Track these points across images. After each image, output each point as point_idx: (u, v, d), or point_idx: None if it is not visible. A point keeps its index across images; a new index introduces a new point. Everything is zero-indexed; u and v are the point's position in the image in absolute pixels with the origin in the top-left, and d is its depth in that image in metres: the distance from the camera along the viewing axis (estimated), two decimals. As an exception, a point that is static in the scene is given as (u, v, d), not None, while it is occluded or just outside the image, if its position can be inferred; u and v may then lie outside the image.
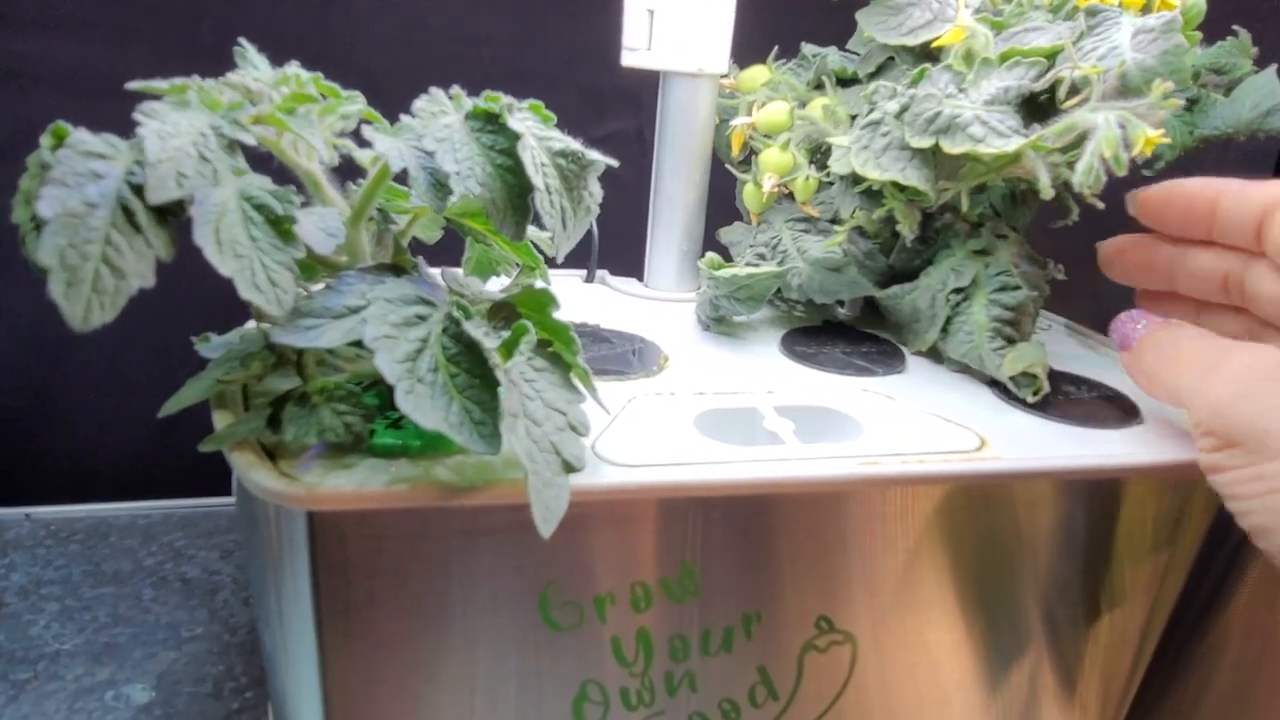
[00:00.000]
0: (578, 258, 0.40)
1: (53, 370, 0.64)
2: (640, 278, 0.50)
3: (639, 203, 0.49)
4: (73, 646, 0.51)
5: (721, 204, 0.49)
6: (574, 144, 0.28)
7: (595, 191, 0.29)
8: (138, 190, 0.23)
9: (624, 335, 0.41)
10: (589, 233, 0.44)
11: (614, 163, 0.28)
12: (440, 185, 0.27)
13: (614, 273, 0.51)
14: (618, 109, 0.64)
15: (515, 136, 0.26)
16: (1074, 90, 0.35)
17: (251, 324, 0.38)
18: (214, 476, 0.68)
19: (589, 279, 0.50)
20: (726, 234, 0.47)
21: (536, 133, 0.27)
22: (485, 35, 0.60)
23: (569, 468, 0.25)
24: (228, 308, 0.36)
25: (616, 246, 0.50)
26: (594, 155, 0.28)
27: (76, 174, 0.23)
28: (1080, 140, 0.34)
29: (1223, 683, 0.46)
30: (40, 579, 0.57)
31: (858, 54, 0.48)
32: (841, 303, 0.46)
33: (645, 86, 0.47)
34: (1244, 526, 0.29)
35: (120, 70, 0.27)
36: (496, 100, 0.27)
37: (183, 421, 0.66)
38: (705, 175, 0.46)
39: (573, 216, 0.28)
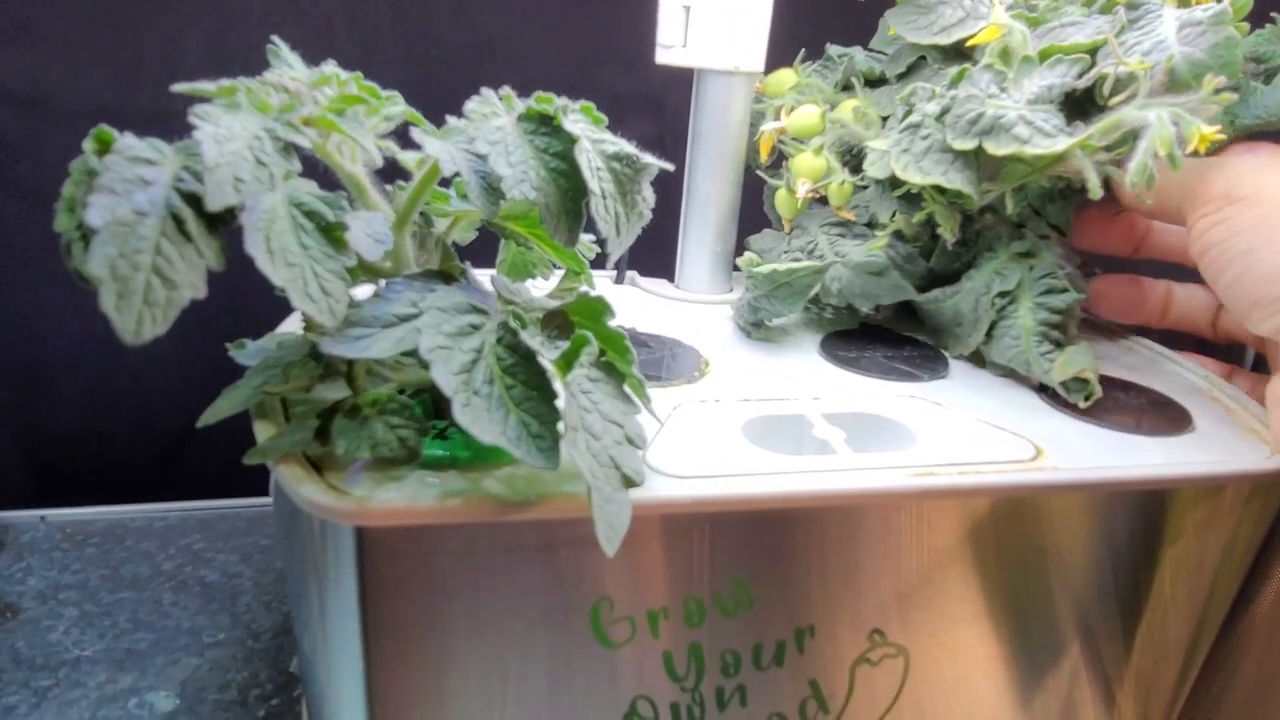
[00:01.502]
0: (604, 258, 0.39)
1: (66, 372, 0.63)
2: (668, 278, 0.49)
3: (662, 205, 0.48)
4: (94, 653, 0.51)
5: (746, 211, 0.48)
6: (628, 147, 0.27)
7: (648, 196, 0.28)
8: (187, 197, 0.22)
9: (662, 339, 0.40)
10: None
11: (669, 166, 0.28)
12: (493, 189, 0.26)
13: (640, 274, 0.50)
14: (638, 114, 0.62)
15: (571, 140, 0.25)
16: (1118, 86, 0.35)
17: (285, 328, 0.37)
18: (232, 478, 0.68)
19: (618, 280, 0.49)
20: (756, 241, 0.47)
21: (590, 135, 0.27)
22: (502, 41, 0.59)
23: (629, 482, 0.25)
24: (249, 310, 0.35)
25: (640, 247, 0.49)
26: (648, 159, 0.27)
27: (125, 180, 0.22)
28: (1127, 137, 0.33)
29: (1245, 682, 0.45)
30: (58, 583, 0.56)
31: (884, 54, 0.47)
32: (877, 308, 0.46)
33: (669, 89, 0.46)
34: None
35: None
36: (550, 102, 0.26)
37: (195, 421, 0.65)
38: (739, 175, 0.45)
39: (626, 221, 0.27)
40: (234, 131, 0.22)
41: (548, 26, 0.59)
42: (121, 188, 0.22)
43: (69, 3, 0.52)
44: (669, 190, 0.47)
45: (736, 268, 0.49)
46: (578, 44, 0.59)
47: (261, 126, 0.23)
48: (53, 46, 0.53)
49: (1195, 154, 0.33)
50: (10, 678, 0.48)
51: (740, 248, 0.46)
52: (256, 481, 0.68)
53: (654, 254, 0.50)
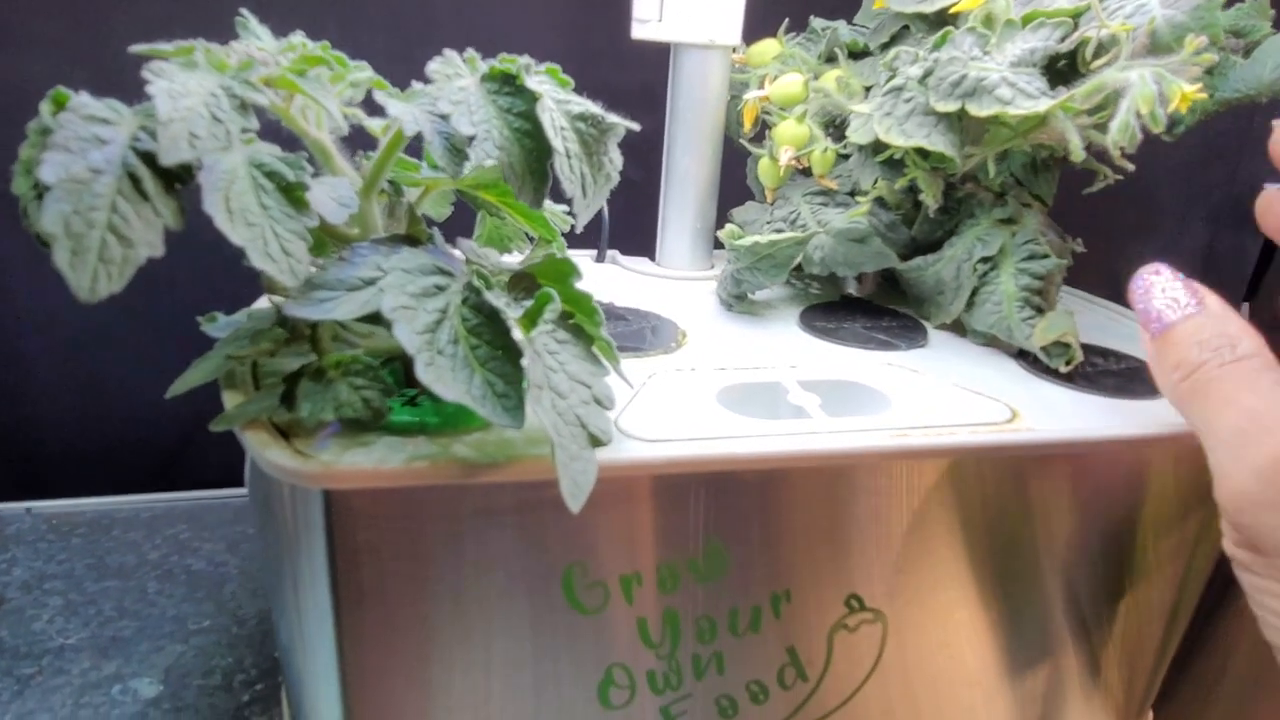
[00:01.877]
0: (587, 237, 0.39)
1: (49, 363, 0.62)
2: (651, 257, 0.49)
3: (646, 184, 0.48)
4: (77, 641, 0.50)
5: (726, 186, 0.48)
6: (593, 107, 0.27)
7: (615, 158, 0.28)
8: (144, 157, 0.22)
9: (639, 313, 0.40)
10: (599, 213, 0.43)
11: (635, 126, 0.27)
12: (456, 150, 0.26)
13: (622, 253, 0.50)
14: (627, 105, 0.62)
15: (534, 98, 0.25)
16: (1100, 51, 0.34)
17: (260, 304, 0.37)
18: (219, 468, 0.67)
19: (599, 258, 0.49)
20: (740, 214, 0.46)
21: (554, 95, 0.26)
22: (487, 31, 0.58)
23: (595, 441, 0.24)
24: (223, 295, 0.35)
25: (622, 226, 0.49)
26: (614, 119, 0.27)
27: (80, 139, 0.22)
28: (1109, 101, 0.33)
29: (1238, 669, 0.45)
30: (43, 573, 0.56)
31: (867, 28, 0.47)
32: (860, 278, 0.45)
33: (656, 83, 0.46)
34: (1266, 637, 0.25)
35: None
36: (513, 61, 0.26)
37: (184, 412, 0.65)
38: (718, 151, 0.45)
39: (593, 183, 0.27)
40: (189, 88, 0.22)
41: (531, 17, 0.59)
42: (76, 145, 0.21)
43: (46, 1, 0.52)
44: (652, 168, 0.47)
45: (718, 244, 0.48)
46: (570, 35, 0.59)
47: (218, 84, 0.23)
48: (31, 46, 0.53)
49: (1178, 115, 0.33)
50: (-7, 666, 0.48)
51: (722, 222, 0.46)
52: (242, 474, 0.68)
53: (637, 233, 0.50)
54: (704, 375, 0.33)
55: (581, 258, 0.50)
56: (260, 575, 0.57)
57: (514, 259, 0.34)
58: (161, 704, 0.46)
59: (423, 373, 0.23)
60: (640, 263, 0.48)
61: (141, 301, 0.61)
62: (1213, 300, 0.27)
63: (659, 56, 0.45)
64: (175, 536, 0.61)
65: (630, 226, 0.50)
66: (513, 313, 0.24)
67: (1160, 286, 0.28)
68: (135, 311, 0.62)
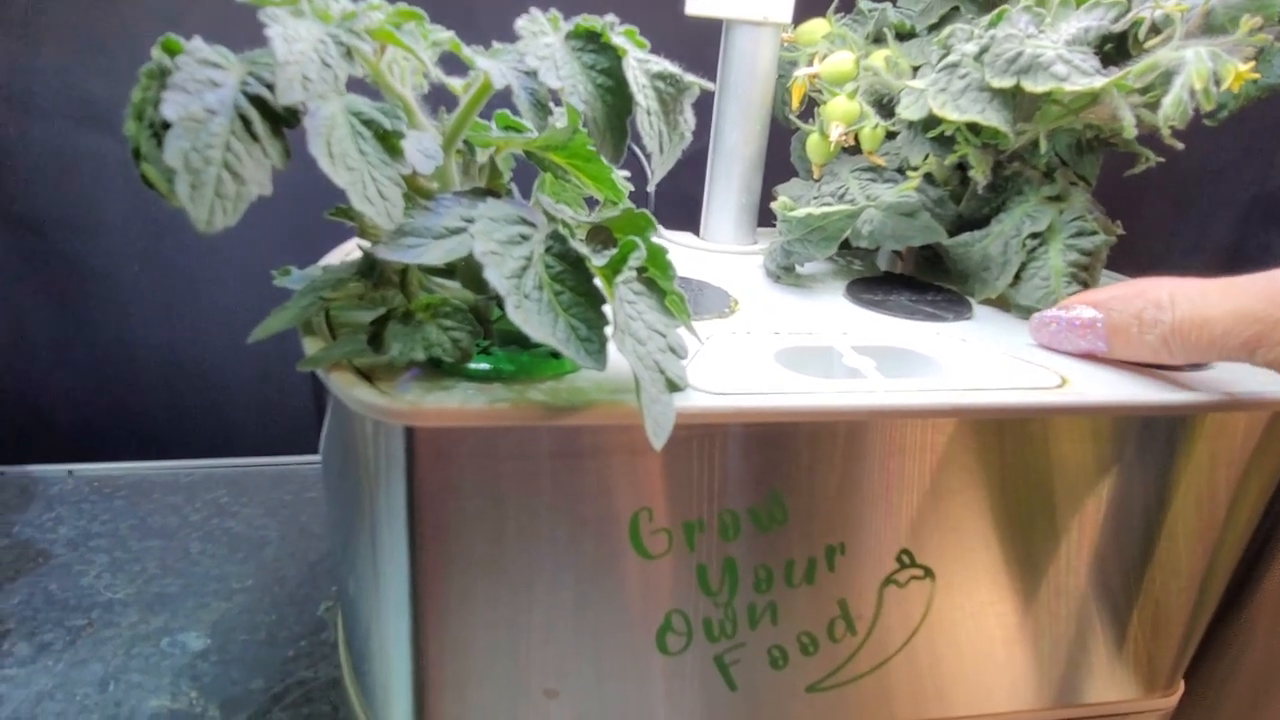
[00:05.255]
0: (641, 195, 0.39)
1: (81, 333, 0.64)
2: (695, 233, 0.50)
3: (689, 161, 0.48)
4: (125, 596, 0.51)
5: (770, 164, 0.48)
6: (671, 67, 0.28)
7: (689, 118, 0.29)
8: (254, 100, 0.23)
9: (689, 281, 0.41)
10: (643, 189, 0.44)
11: (710, 86, 0.28)
12: (542, 105, 0.27)
13: (665, 228, 0.51)
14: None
15: (618, 55, 0.26)
16: (1154, 31, 0.35)
17: (328, 259, 0.38)
18: (259, 438, 0.69)
19: (644, 232, 0.50)
20: (785, 189, 0.47)
21: (635, 55, 0.27)
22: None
23: (673, 386, 0.25)
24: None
25: (666, 201, 0.50)
26: (691, 78, 0.28)
27: (196, 80, 0.23)
28: (1160, 81, 0.34)
29: (1253, 661, 0.46)
30: (88, 531, 0.57)
31: (913, 10, 0.48)
32: (901, 254, 0.46)
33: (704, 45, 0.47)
34: None
35: None
36: (597, 20, 0.27)
37: (231, 385, 0.65)
38: (765, 127, 0.46)
39: (669, 141, 0.28)
40: (300, 34, 0.23)
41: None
42: (193, 87, 0.23)
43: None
44: (695, 144, 0.48)
45: (761, 221, 0.49)
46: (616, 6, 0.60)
47: (325, 32, 0.24)
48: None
49: (1224, 97, 0.34)
50: (45, 617, 0.49)
51: (766, 202, 0.47)
52: (281, 442, 0.69)
53: (679, 208, 0.51)
54: (760, 338, 0.34)
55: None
56: (303, 540, 0.58)
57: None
58: (209, 656, 0.47)
59: (513, 313, 0.24)
60: (685, 237, 0.49)
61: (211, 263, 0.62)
62: (1081, 305, 0.34)
63: (705, 32, 0.46)
64: (215, 500, 0.62)
65: (672, 202, 0.51)
66: (597, 259, 0.25)
67: (1061, 335, 0.34)
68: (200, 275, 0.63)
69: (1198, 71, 0.31)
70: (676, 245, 0.48)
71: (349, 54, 0.24)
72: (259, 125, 0.23)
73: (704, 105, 0.48)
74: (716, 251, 0.47)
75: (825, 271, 0.45)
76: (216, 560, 0.56)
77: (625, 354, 0.24)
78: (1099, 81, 0.33)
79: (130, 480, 0.64)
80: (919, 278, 0.45)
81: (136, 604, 0.51)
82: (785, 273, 0.41)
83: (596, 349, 0.25)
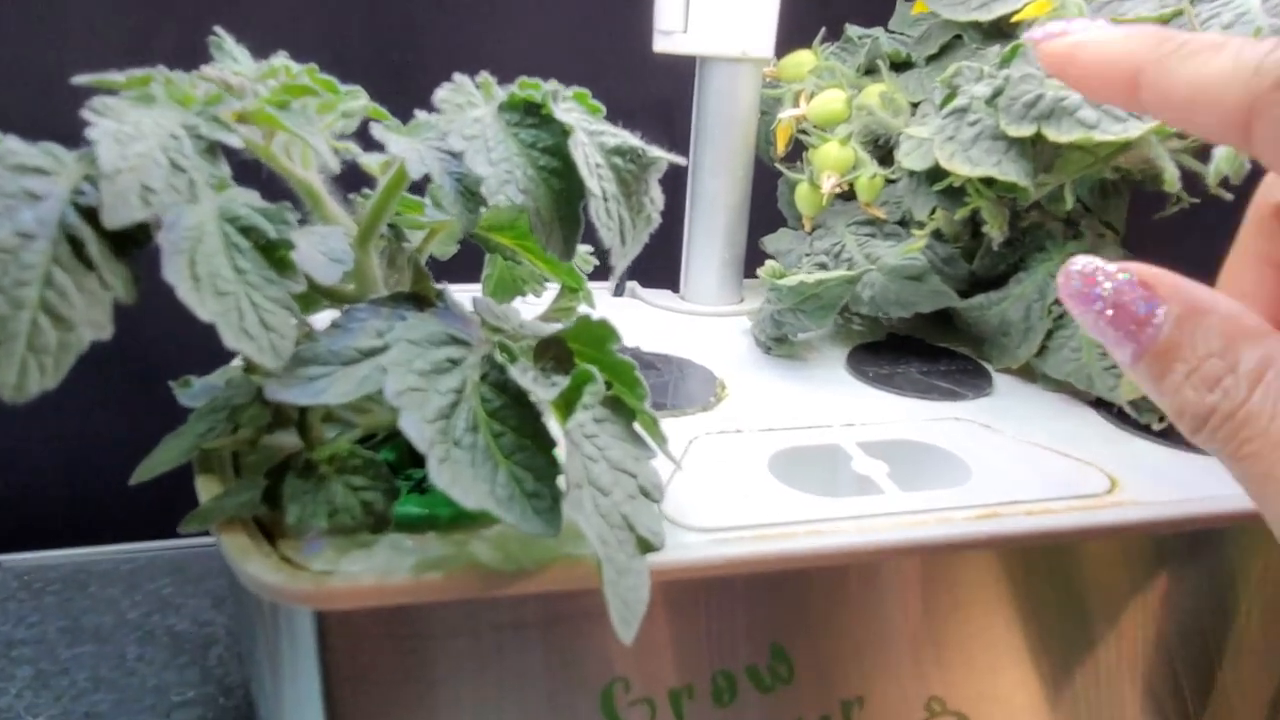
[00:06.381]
0: (602, 267, 0.34)
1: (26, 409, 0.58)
2: (673, 288, 0.45)
3: (666, 208, 0.43)
4: (47, 718, 0.46)
5: (756, 210, 0.43)
6: (632, 139, 0.23)
7: (656, 197, 0.24)
8: (88, 214, 0.18)
9: (669, 360, 0.36)
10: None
11: (681, 160, 0.23)
12: (472, 194, 0.21)
13: (641, 284, 0.46)
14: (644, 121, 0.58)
15: (564, 131, 0.21)
16: (1194, 65, 0.30)
17: (239, 361, 0.32)
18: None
19: (617, 292, 0.45)
20: (772, 242, 0.42)
21: (586, 127, 0.22)
22: (492, 49, 0.54)
23: (646, 546, 0.20)
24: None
25: (641, 255, 0.45)
26: (656, 152, 0.23)
27: (6, 195, 0.17)
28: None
29: None
30: (12, 639, 0.51)
31: (906, 35, 0.43)
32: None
33: (677, 94, 0.42)
34: None
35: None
36: (536, 87, 0.22)
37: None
38: (749, 173, 0.41)
39: (631, 227, 0.23)
40: (143, 129, 0.18)
41: (544, 32, 0.54)
42: (2, 204, 0.17)
43: None
44: (674, 192, 0.43)
45: (747, 271, 0.44)
46: (574, 43, 0.55)
47: (180, 123, 0.18)
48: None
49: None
50: (-46, 750, 0.43)
51: (751, 250, 0.42)
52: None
53: (656, 260, 0.46)
54: (751, 437, 0.29)
55: (597, 290, 0.45)
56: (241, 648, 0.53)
57: (529, 304, 0.30)
58: (139, 793, 0.42)
59: (436, 473, 0.19)
60: (663, 296, 0.44)
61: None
62: (1166, 286, 0.17)
63: (676, 70, 0.41)
64: (157, 592, 0.56)
65: (648, 253, 0.45)
66: (544, 392, 0.20)
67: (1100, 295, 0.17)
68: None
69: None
70: (654, 307, 0.43)
71: (211, 150, 0.18)
72: (94, 247, 0.18)
73: (680, 147, 0.43)
74: (699, 314, 0.42)
75: (822, 334, 0.40)
76: (155, 667, 0.50)
77: (583, 518, 0.19)
78: (1135, 129, 0.28)
79: (66, 571, 0.58)
80: (928, 340, 0.40)
81: (61, 728, 0.45)
82: (777, 344, 0.36)
83: (547, 506, 0.19)
